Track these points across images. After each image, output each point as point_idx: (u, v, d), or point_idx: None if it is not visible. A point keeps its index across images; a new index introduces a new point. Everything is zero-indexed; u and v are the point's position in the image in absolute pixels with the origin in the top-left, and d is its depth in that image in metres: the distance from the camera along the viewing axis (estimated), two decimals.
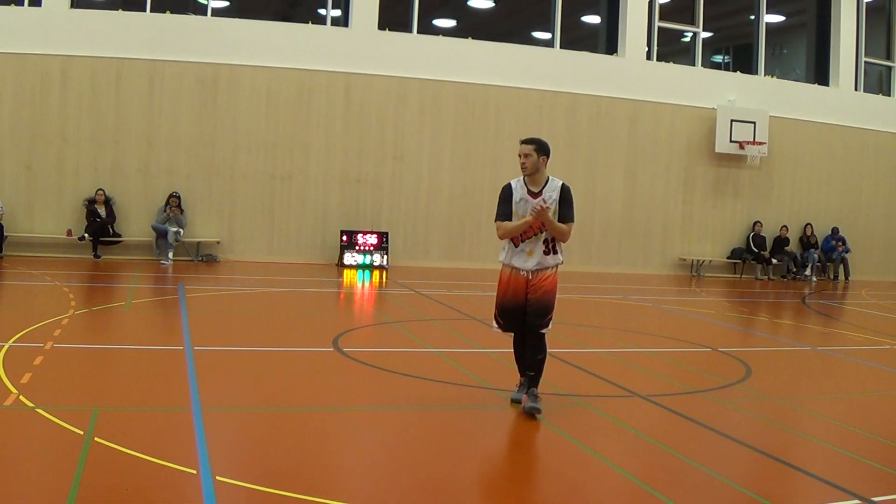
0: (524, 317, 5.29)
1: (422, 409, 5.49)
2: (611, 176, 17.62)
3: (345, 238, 15.69)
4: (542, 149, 5.26)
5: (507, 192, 5.31)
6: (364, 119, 16.17)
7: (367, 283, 13.57)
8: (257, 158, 15.76)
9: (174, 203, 14.87)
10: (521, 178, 5.35)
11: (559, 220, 5.24)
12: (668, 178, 17.96)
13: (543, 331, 5.27)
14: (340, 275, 14.47)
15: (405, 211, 16.44)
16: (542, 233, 5.25)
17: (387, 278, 14.32)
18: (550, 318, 5.29)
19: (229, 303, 10.36)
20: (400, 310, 10.54)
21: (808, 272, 18.36)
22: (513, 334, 5.49)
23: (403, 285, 13.05)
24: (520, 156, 5.25)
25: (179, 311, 9.07)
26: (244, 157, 15.69)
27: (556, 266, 5.37)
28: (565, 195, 5.24)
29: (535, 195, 5.24)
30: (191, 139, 15.40)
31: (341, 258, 15.60)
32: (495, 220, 5.35)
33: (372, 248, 15.64)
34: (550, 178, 5.33)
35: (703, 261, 18.04)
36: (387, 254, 15.72)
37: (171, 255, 14.60)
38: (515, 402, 5.49)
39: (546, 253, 5.28)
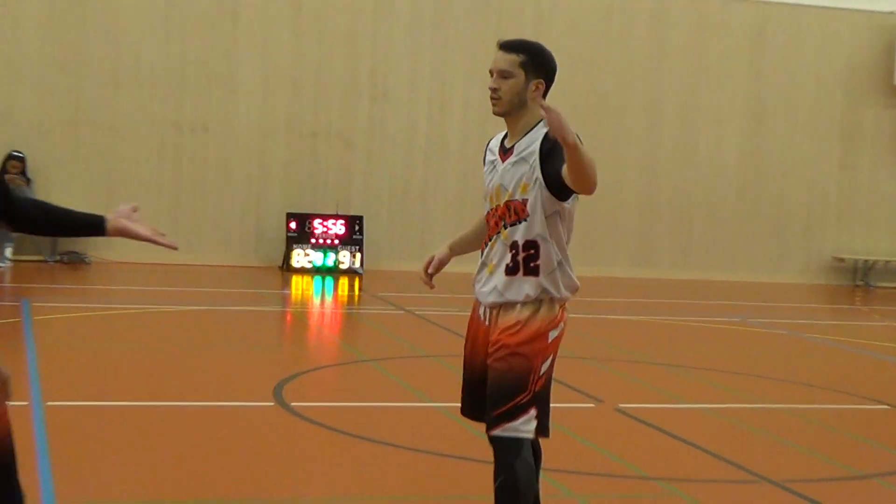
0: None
1: (414, 499, 5.42)
2: (721, 126, 17.51)
3: (293, 225, 15.62)
4: (535, 62, 4.44)
5: (484, 158, 4.64)
6: (324, 37, 16.14)
7: (328, 298, 13.51)
8: (152, 98, 15.71)
9: (14, 169, 14.78)
10: None
11: (551, 177, 4.31)
12: (816, 127, 17.86)
13: (502, 432, 4.29)
14: (286, 284, 14.37)
15: (389, 183, 16.40)
16: (505, 228, 4.41)
17: (360, 289, 14.24)
18: (522, 412, 4.29)
19: (105, 329, 10.30)
20: (379, 340, 10.50)
21: None
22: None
23: (386, 300, 13.00)
24: (491, 73, 4.44)
25: (23, 343, 9.00)
26: (130, 97, 15.63)
27: (540, 303, 4.37)
28: (547, 145, 4.33)
29: (506, 154, 4.48)
30: (42, 65, 15.34)
31: (287, 258, 15.56)
32: None
33: (337, 242, 15.60)
34: (543, 122, 4.26)
35: (874, 262, 17.96)
36: (360, 251, 15.67)
37: (8, 252, 14.53)
38: None
39: (513, 271, 4.36)
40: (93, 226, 3.62)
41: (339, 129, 16.26)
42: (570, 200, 4.29)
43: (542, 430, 4.30)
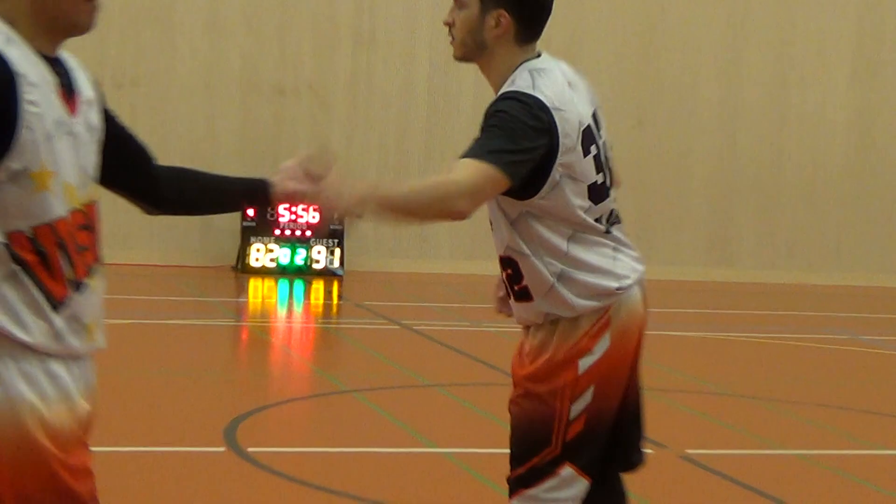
0: None
1: None
2: (821, 83, 17.60)
3: (250, 212, 15.60)
4: None
5: None
6: None
7: (297, 308, 13.61)
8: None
9: None
10: None
11: None
12: None
13: (521, 501, 4.20)
14: (241, 290, 14.55)
15: (379, 155, 16.53)
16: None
17: (339, 296, 14.42)
18: (546, 475, 4.16)
19: None
20: (365, 363, 10.58)
21: None
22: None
23: (373, 311, 13.14)
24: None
25: None
26: None
27: (555, 324, 4.14)
28: (489, 112, 4.04)
29: None
30: None
31: (243, 255, 15.67)
32: None
33: (308, 235, 15.74)
34: (524, 65, 4.15)
35: None
36: (340, 246, 15.79)
37: None
38: None
39: (506, 291, 4.27)
40: (256, 194, 3.55)
41: (313, 83, 16.33)
42: (543, 191, 3.90)
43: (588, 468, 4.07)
